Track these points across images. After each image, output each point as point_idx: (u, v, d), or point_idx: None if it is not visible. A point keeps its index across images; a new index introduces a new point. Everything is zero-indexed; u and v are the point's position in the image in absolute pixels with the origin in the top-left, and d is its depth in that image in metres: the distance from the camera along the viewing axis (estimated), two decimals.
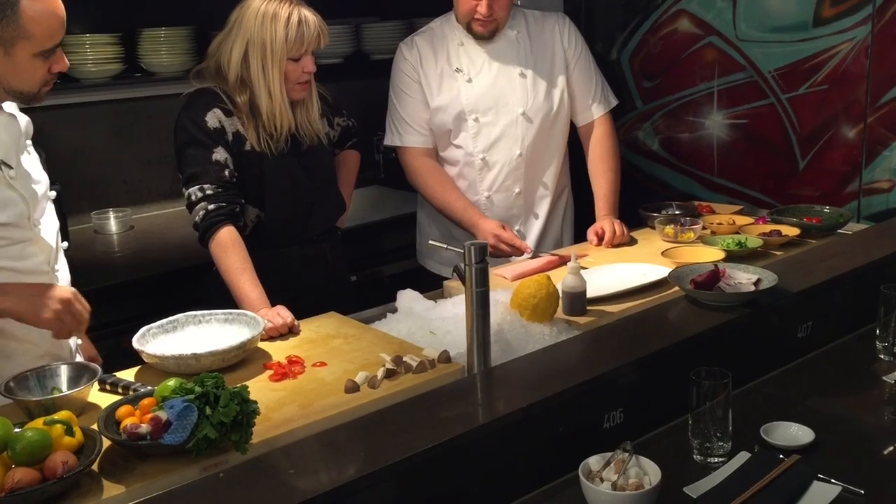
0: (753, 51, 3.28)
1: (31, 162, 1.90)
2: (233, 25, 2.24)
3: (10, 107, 1.85)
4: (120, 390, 1.70)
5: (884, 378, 1.93)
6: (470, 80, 2.59)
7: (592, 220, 2.68)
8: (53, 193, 1.98)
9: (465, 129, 2.61)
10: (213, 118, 2.22)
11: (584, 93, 2.71)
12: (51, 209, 1.95)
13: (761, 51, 3.26)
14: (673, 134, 3.64)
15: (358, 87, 3.89)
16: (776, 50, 3.22)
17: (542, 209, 2.75)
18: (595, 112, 2.74)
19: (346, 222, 2.62)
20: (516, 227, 2.68)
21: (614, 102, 2.80)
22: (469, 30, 2.58)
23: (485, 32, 2.56)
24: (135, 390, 1.67)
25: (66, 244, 2.01)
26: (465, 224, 2.58)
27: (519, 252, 2.49)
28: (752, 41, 3.28)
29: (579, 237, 2.77)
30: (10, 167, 1.79)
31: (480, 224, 2.53)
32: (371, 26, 3.92)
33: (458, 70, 2.60)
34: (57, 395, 1.59)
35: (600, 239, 2.56)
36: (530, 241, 2.71)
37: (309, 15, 2.22)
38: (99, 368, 1.67)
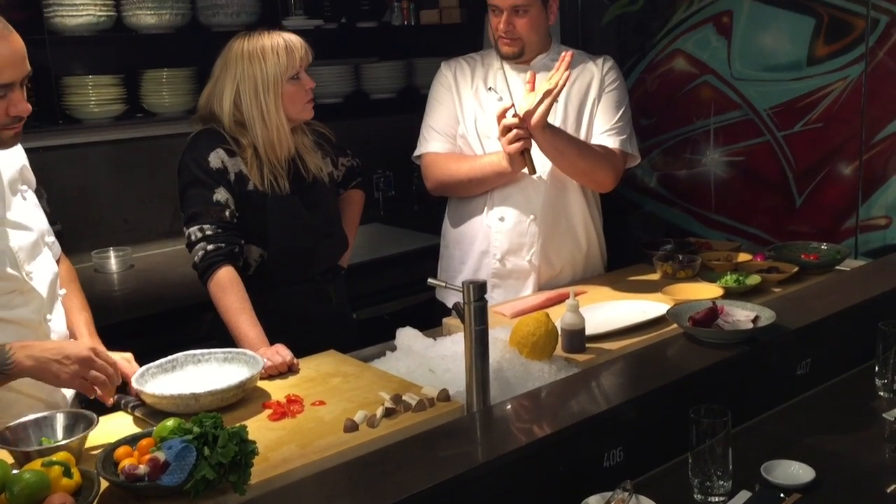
0: (748, 89, 3.32)
1: (26, 208, 1.86)
2: (219, 74, 2.26)
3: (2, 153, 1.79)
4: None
5: (884, 415, 1.93)
6: (501, 99, 2.55)
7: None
8: (52, 240, 1.95)
9: (488, 145, 2.59)
10: (216, 158, 2.23)
11: (602, 121, 2.61)
12: (47, 256, 1.91)
13: (756, 89, 3.30)
14: (670, 171, 3.66)
15: (358, 127, 3.92)
16: (771, 88, 3.25)
17: (556, 244, 2.62)
18: (605, 142, 2.57)
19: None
20: (526, 258, 2.60)
21: (632, 153, 2.62)
22: (498, 51, 2.57)
23: (510, 52, 2.54)
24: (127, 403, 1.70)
25: (63, 291, 1.98)
26: (493, 168, 2.51)
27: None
28: (747, 80, 3.32)
29: None
30: None
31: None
32: (371, 66, 3.97)
33: (490, 89, 2.61)
34: (51, 444, 1.54)
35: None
36: (535, 276, 2.61)
37: (289, 36, 2.26)
38: (95, 417, 1.62)
